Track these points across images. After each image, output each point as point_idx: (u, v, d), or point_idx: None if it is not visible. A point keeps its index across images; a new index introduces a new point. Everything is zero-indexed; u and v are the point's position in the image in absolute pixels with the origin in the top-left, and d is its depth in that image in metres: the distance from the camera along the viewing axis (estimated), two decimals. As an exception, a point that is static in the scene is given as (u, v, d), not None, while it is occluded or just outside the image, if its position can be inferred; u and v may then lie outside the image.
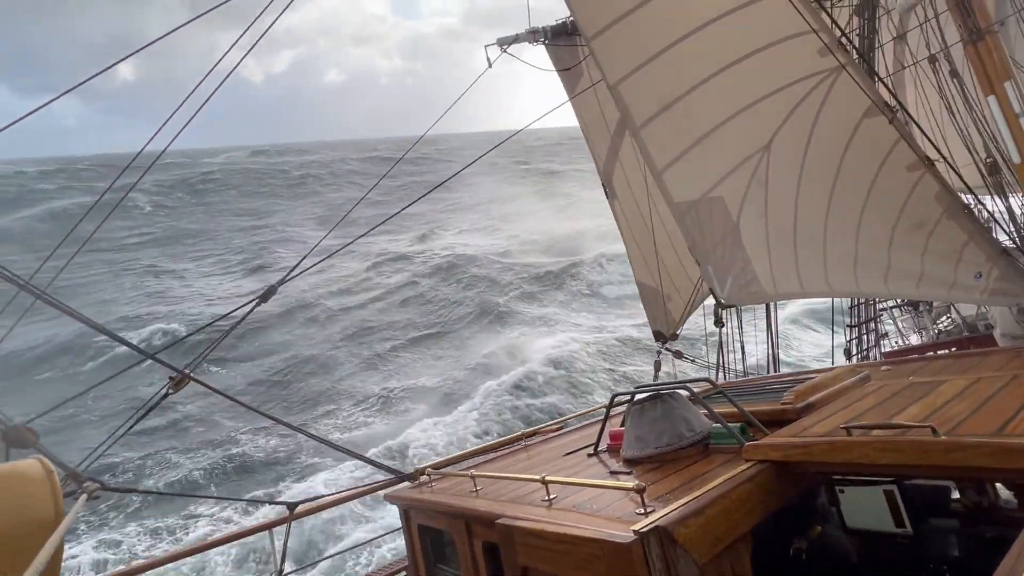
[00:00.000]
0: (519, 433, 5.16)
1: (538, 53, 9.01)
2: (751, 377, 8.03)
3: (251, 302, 5.47)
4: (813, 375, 3.89)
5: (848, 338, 10.34)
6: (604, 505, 2.70)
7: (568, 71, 8.69)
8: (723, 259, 4.44)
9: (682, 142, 4.22)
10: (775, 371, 8.87)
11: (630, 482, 2.56)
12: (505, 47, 8.97)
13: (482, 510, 3.14)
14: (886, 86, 4.14)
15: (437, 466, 4.32)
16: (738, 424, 3.23)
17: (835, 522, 3.46)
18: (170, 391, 4.81)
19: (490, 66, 9.11)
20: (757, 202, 4.31)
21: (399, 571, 5.23)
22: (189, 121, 4.76)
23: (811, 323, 21.20)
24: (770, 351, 9.05)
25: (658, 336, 9.56)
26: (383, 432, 15.97)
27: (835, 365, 6.02)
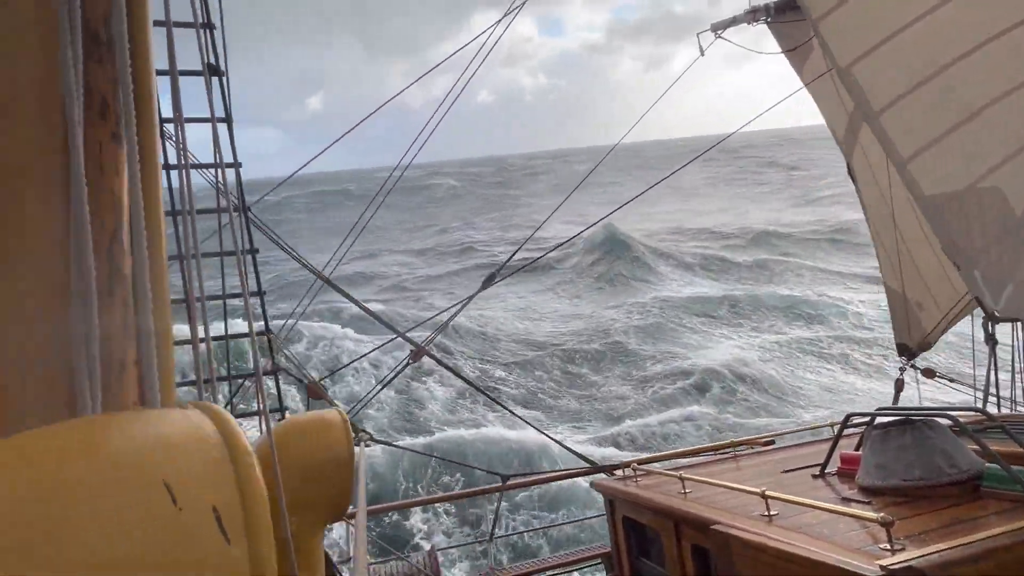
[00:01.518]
0: (728, 442, 5.04)
1: (755, 35, 8.27)
2: None
3: (478, 289, 6.24)
4: None
5: None
6: (835, 532, 2.51)
7: (795, 51, 7.82)
8: (999, 262, 3.56)
9: (938, 125, 3.51)
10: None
11: (872, 512, 2.34)
12: (720, 32, 8.42)
13: (694, 513, 3.15)
14: None
15: (643, 462, 4.44)
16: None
17: None
18: (411, 361, 5.89)
19: (702, 54, 8.65)
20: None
21: (599, 555, 5.49)
22: (423, 143, 5.64)
23: None
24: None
25: (902, 350, 8.13)
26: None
27: None
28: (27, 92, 1.47)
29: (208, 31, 4.21)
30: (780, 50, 8.10)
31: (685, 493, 3.49)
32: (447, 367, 7.78)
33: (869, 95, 3.55)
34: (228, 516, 0.72)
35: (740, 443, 5.03)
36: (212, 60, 4.16)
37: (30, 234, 1.45)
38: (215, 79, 4.25)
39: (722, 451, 4.91)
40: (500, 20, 5.67)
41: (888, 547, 2.17)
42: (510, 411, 7.98)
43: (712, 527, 2.84)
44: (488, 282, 6.66)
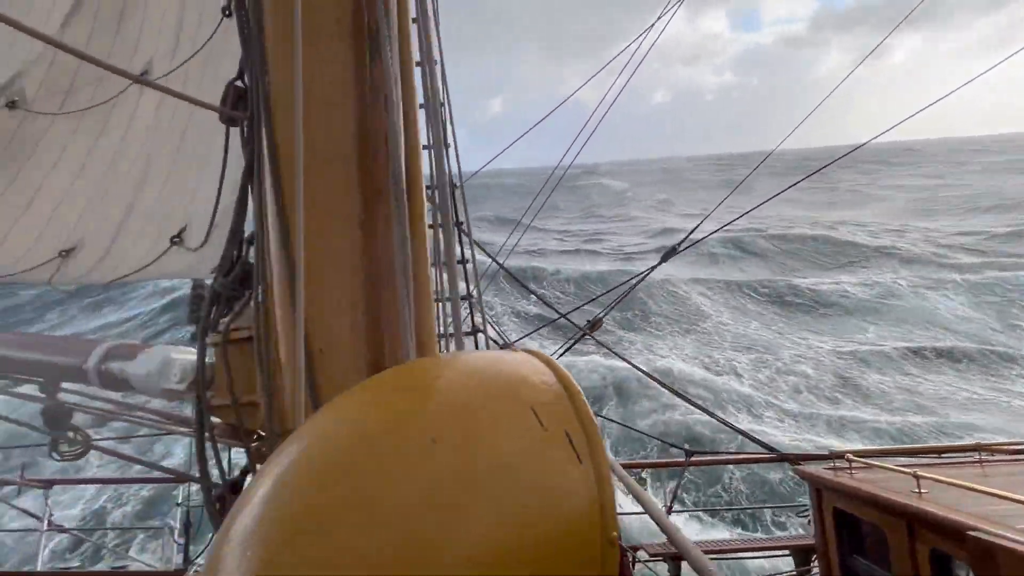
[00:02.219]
0: (973, 443, 4.47)
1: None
2: None
3: (656, 264, 6.20)
4: None
5: None
6: None
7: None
8: None
9: None
10: None
11: None
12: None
13: (939, 516, 2.94)
14: None
15: (861, 454, 4.10)
16: None
17: None
18: (587, 332, 6.14)
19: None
20: None
21: (787, 547, 5.24)
22: (583, 150, 5.62)
23: None
24: None
25: None
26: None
27: None
28: (336, 90, 1.77)
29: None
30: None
31: (920, 492, 3.25)
32: (608, 348, 8.01)
33: None
34: (576, 441, 0.84)
35: (987, 446, 4.52)
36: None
37: (340, 214, 1.77)
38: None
39: (961, 453, 4.53)
40: (659, 18, 5.42)
41: None
42: (682, 396, 7.78)
43: (970, 533, 2.59)
44: (670, 254, 6.77)
